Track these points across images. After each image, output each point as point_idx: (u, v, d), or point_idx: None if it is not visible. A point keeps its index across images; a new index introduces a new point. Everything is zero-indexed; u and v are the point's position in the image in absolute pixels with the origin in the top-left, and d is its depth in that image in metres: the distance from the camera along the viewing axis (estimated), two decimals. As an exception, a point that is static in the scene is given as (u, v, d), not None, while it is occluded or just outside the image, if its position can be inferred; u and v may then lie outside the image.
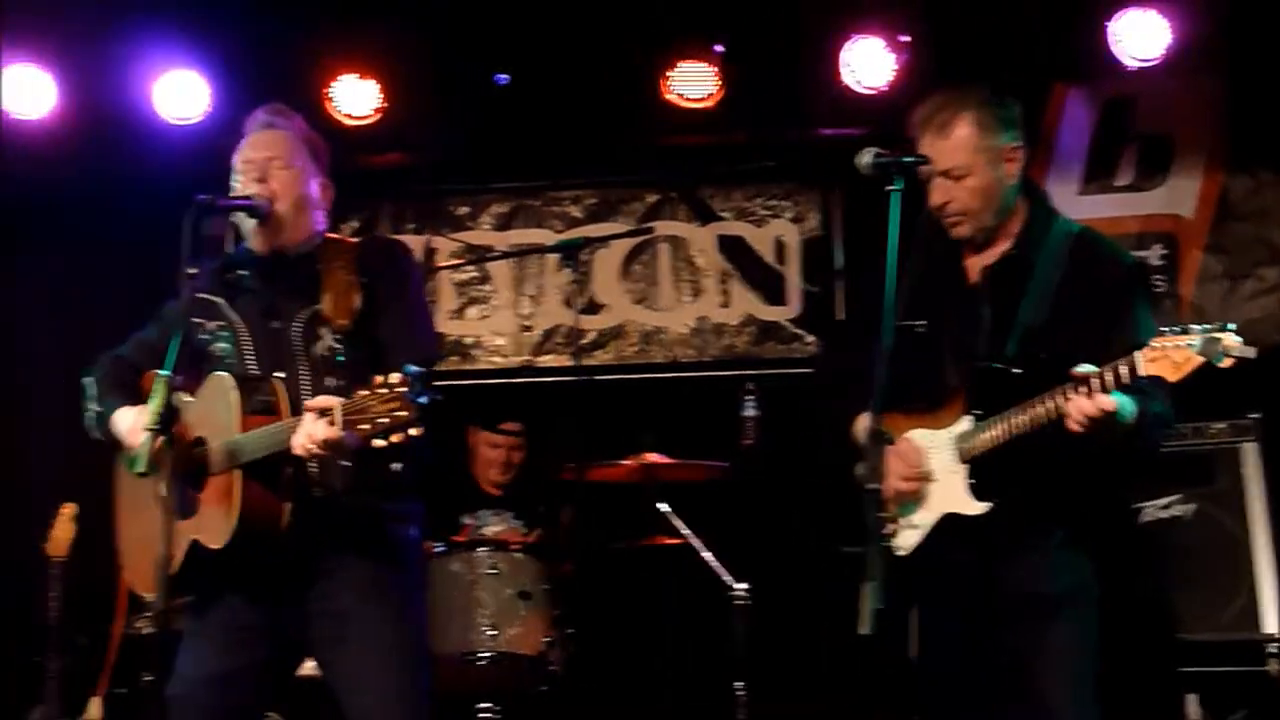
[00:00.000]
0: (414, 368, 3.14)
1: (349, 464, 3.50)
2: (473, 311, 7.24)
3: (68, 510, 5.69)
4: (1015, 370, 3.57)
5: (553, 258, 7.04)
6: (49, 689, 5.61)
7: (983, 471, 3.58)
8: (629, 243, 7.07)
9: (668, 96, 6.56)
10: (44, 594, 5.62)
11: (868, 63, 6.33)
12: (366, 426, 3.12)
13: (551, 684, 5.37)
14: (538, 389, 6.99)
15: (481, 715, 5.38)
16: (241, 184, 3.68)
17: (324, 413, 3.21)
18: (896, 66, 6.30)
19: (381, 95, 6.57)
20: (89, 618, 5.81)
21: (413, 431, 3.11)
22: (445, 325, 7.10)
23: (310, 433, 3.27)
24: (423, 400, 3.11)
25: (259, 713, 3.88)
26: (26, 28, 6.39)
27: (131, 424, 3.63)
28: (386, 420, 3.10)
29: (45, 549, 5.66)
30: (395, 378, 3.11)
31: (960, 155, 3.63)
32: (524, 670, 5.34)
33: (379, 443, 3.13)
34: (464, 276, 7.24)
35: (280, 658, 3.72)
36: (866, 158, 3.44)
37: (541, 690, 5.39)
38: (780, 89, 6.59)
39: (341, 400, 3.19)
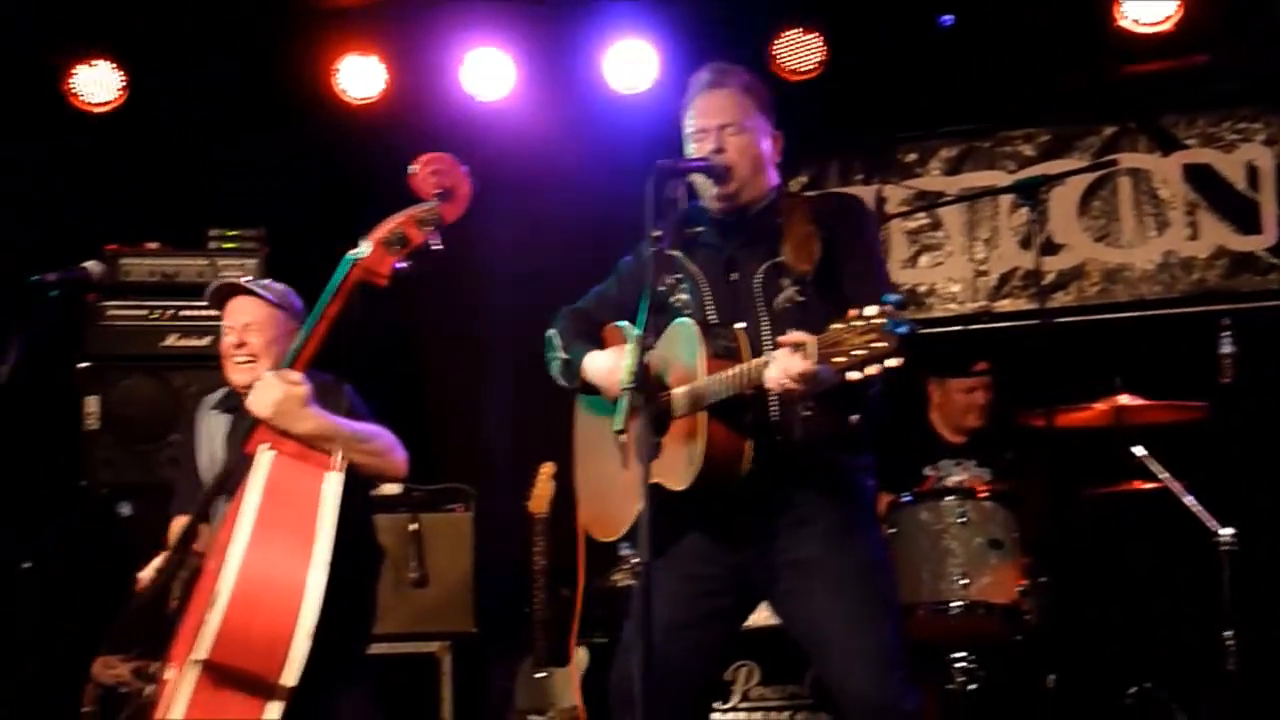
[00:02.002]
0: (893, 296, 3.03)
1: (810, 412, 3.50)
2: (925, 259, 7.14)
3: (547, 469, 5.93)
4: None
5: (1005, 199, 6.90)
6: (537, 639, 5.91)
7: None
8: (1086, 179, 6.81)
9: (1120, 23, 6.29)
10: (530, 549, 5.92)
11: (1344, -34, 5.89)
12: (842, 359, 3.02)
13: (1026, 634, 5.25)
14: (997, 334, 6.84)
15: (956, 665, 5.33)
16: (696, 149, 3.72)
17: (798, 347, 3.16)
18: (1377, -32, 5.82)
19: (823, 48, 6.56)
20: (571, 571, 6.07)
21: (891, 363, 2.98)
22: (898, 274, 7.03)
23: (785, 366, 3.22)
24: (901, 330, 2.97)
25: (717, 662, 3.89)
26: (485, 12, 6.71)
27: (605, 365, 3.73)
28: (864, 352, 2.99)
29: (528, 507, 5.96)
30: (871, 310, 3.00)
31: None
32: (998, 620, 5.24)
33: (854, 375, 3.02)
34: (915, 224, 7.15)
35: (739, 608, 3.76)
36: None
37: (1016, 640, 5.28)
38: (1244, 3, 6.20)
39: (816, 336, 3.12)
